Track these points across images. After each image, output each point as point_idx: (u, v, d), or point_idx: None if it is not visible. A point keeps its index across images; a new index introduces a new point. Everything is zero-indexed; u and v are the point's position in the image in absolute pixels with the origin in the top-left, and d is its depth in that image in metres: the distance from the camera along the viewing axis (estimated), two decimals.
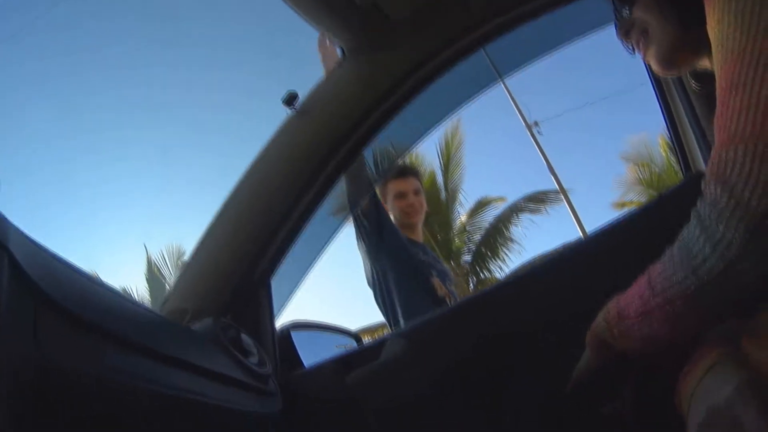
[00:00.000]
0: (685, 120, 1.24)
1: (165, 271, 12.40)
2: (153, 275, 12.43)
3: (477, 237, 12.53)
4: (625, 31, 0.89)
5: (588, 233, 1.30)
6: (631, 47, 0.90)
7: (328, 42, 1.39)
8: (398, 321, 2.21)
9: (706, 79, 1.11)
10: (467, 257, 12.50)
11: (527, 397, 1.08)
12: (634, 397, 0.88)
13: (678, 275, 0.61)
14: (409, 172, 2.60)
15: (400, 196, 2.48)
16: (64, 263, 0.68)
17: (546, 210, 12.43)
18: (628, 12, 0.87)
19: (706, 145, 1.18)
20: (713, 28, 0.64)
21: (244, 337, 1.09)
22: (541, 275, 1.21)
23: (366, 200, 2.18)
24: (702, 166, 1.20)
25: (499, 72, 1.53)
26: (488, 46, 1.29)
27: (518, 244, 12.29)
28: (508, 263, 12.22)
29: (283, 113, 1.30)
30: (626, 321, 0.73)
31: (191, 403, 0.75)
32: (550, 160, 12.08)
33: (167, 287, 11.93)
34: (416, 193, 2.52)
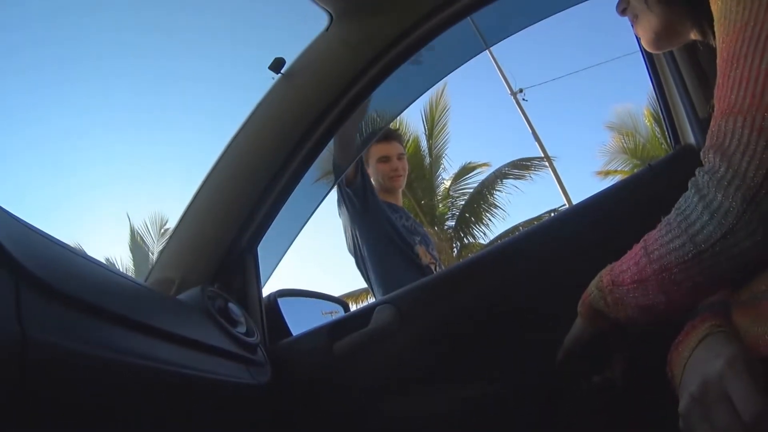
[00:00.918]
0: (675, 91, 1.23)
1: (148, 240, 12.36)
2: (136, 244, 12.38)
3: (461, 202, 12.59)
4: (622, 9, 0.90)
5: (577, 202, 1.30)
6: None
7: None
8: (383, 288, 2.22)
9: (696, 50, 1.12)
10: (451, 222, 12.57)
11: (517, 366, 1.10)
12: (624, 366, 0.89)
13: (675, 242, 0.62)
14: (393, 136, 2.58)
15: (384, 159, 2.46)
16: (45, 237, 0.66)
17: (530, 176, 12.51)
18: None
19: (695, 117, 1.18)
20: (716, 1, 0.64)
21: (232, 306, 1.08)
22: (531, 243, 1.21)
23: (351, 167, 2.16)
24: (691, 138, 1.20)
25: (485, 40, 1.51)
26: (476, 13, 1.25)
27: (502, 209, 12.40)
28: (492, 228, 12.36)
29: (270, 80, 1.27)
30: (620, 288, 0.74)
31: (179, 375, 0.75)
32: (535, 127, 12.07)
33: (151, 256, 11.91)
34: (399, 157, 2.51)
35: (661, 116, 1.37)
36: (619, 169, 12.72)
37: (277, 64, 1.25)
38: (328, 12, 1.22)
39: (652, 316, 0.73)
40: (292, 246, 1.61)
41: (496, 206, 12.40)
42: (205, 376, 0.81)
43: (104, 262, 0.89)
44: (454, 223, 12.51)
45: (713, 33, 0.67)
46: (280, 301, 1.37)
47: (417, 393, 1.13)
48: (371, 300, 2.19)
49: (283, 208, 1.31)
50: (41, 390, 0.52)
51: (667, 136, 1.34)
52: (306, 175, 1.32)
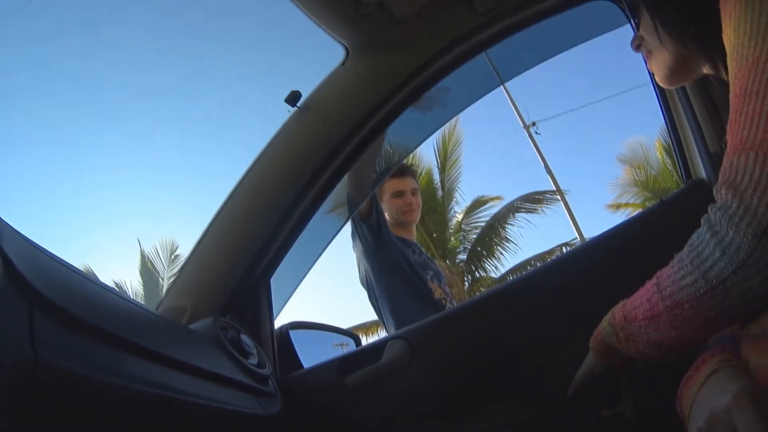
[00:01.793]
0: (686, 125, 1.24)
1: (158, 266, 12.40)
2: (147, 269, 12.41)
3: (473, 236, 12.54)
4: (637, 45, 0.92)
5: (589, 238, 1.30)
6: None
7: None
8: (394, 322, 2.20)
9: (708, 84, 1.13)
10: (463, 256, 12.51)
11: (529, 400, 1.09)
12: (634, 401, 0.89)
13: (687, 279, 0.62)
14: (407, 171, 2.59)
15: (398, 194, 2.47)
16: (59, 262, 0.67)
17: (542, 210, 12.46)
18: (637, 28, 0.91)
19: (706, 152, 1.18)
20: (729, 36, 0.65)
21: (244, 337, 1.08)
22: (542, 280, 1.21)
23: (365, 202, 2.18)
24: (702, 172, 1.20)
25: (501, 77, 1.53)
26: (490, 49, 1.28)
27: (514, 243, 12.32)
28: (504, 263, 12.27)
29: (286, 112, 1.29)
30: (633, 324, 0.74)
31: (190, 404, 0.75)
32: (547, 160, 12.09)
33: (161, 282, 11.93)
34: (414, 192, 2.52)
35: (673, 150, 1.37)
36: (630, 202, 12.66)
37: (293, 97, 1.27)
38: (345, 46, 1.24)
39: (663, 351, 0.72)
40: (306, 277, 1.61)
41: (508, 240, 12.33)
42: (216, 406, 0.81)
43: (113, 286, 0.90)
44: (465, 257, 12.44)
45: (725, 67, 0.67)
46: (292, 333, 1.37)
47: (428, 428, 1.12)
48: (382, 333, 2.18)
49: (298, 240, 1.32)
50: (51, 413, 0.53)
51: (679, 170, 1.34)
52: (321, 208, 1.33)
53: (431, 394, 1.14)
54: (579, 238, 11.44)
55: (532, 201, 12.56)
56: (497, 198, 12.80)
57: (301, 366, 1.30)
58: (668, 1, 0.82)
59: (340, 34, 1.23)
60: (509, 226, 12.43)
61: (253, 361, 1.05)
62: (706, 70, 0.85)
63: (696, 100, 1.19)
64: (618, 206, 12.86)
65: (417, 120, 1.43)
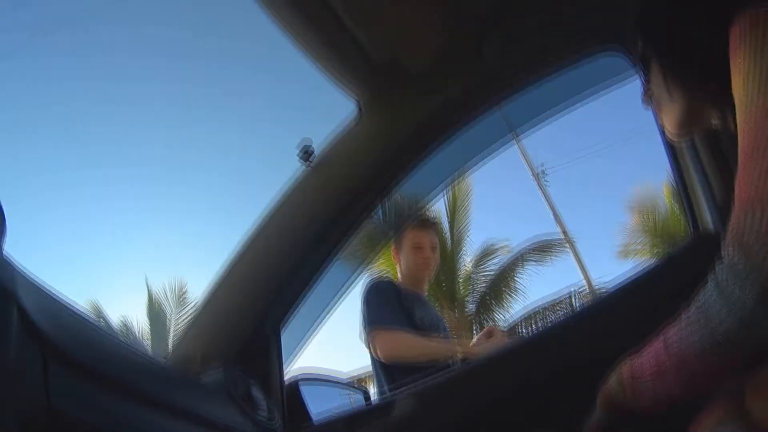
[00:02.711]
0: (694, 177, 1.25)
1: (166, 308, 12.32)
2: (154, 311, 12.33)
3: (482, 286, 12.43)
4: (646, 98, 0.93)
5: (596, 297, 1.30)
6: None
7: None
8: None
9: (716, 134, 1.14)
10: (472, 306, 12.37)
11: None
12: None
13: (694, 336, 0.62)
14: (430, 225, 2.51)
15: (418, 247, 2.38)
16: (72, 311, 0.68)
17: (551, 259, 12.39)
18: (646, 81, 0.91)
19: (714, 203, 1.19)
20: (738, 88, 0.65)
21: (254, 389, 1.08)
22: (552, 336, 1.21)
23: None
24: (710, 224, 1.21)
25: (515, 132, 1.54)
26: (505, 106, 1.31)
27: (523, 293, 12.19)
28: (513, 312, 12.11)
29: (299, 164, 1.30)
30: (640, 380, 0.74)
31: None
32: (556, 208, 12.12)
33: (168, 323, 11.83)
34: (433, 249, 2.43)
35: (681, 201, 1.38)
36: (638, 248, 12.58)
37: (305, 150, 1.28)
38: (356, 100, 1.27)
39: (669, 405, 0.72)
40: (318, 330, 1.60)
41: (517, 289, 12.22)
42: None
43: (120, 323, 0.91)
44: (474, 307, 12.30)
45: (735, 119, 0.67)
46: (302, 385, 1.35)
47: None
48: None
49: (311, 292, 1.33)
50: None
51: (687, 222, 1.34)
52: (335, 260, 1.34)
53: None
54: (587, 286, 11.33)
55: (542, 249, 12.49)
56: (506, 247, 12.76)
57: (310, 419, 1.28)
58: (678, 53, 0.83)
59: (351, 88, 1.25)
60: (518, 276, 12.34)
61: (263, 413, 1.04)
62: (715, 122, 0.85)
63: (704, 151, 1.20)
64: (626, 252, 12.78)
65: (429, 173, 1.44)
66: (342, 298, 1.58)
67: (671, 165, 1.31)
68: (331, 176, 1.30)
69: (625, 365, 0.79)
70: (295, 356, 1.49)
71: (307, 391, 1.34)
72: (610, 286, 1.23)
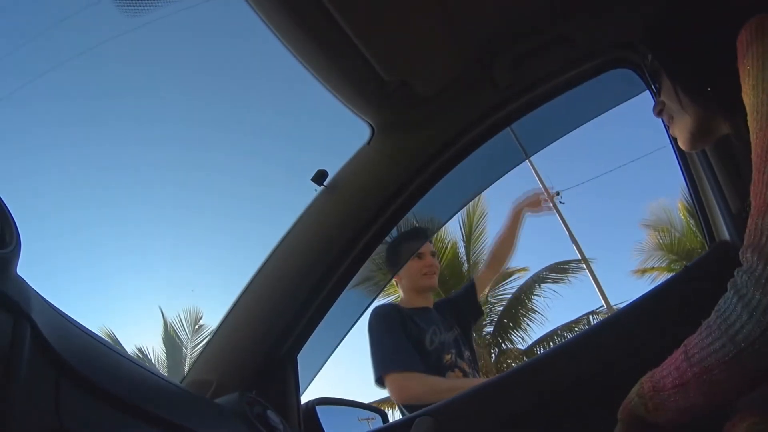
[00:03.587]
0: (708, 187, 1.24)
1: (182, 335, 12.34)
2: (169, 338, 12.34)
3: (499, 308, 12.31)
4: (658, 110, 0.94)
5: (614, 312, 1.30)
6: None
7: None
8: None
9: (729, 144, 1.14)
10: (489, 328, 12.24)
11: None
12: None
13: (716, 344, 0.62)
14: (422, 232, 2.47)
15: (418, 256, 2.36)
16: (86, 332, 0.69)
17: (568, 279, 12.26)
18: (658, 94, 0.93)
19: (729, 213, 1.18)
20: (748, 95, 0.66)
21: (270, 413, 1.07)
22: (570, 353, 1.20)
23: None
24: (725, 234, 1.20)
25: (526, 151, 1.56)
26: (516, 123, 1.31)
27: (540, 314, 12.06)
28: (531, 333, 11.96)
29: (313, 191, 1.31)
30: (662, 394, 0.73)
31: None
32: (572, 230, 12.03)
33: (184, 351, 11.83)
34: (433, 253, 2.44)
35: (696, 213, 1.37)
36: (656, 266, 12.42)
37: (319, 176, 1.29)
38: (370, 124, 1.28)
39: (691, 416, 0.71)
40: (334, 354, 1.60)
41: (534, 311, 12.08)
42: None
43: (136, 352, 0.90)
44: (492, 329, 12.17)
45: (747, 127, 0.68)
46: (318, 409, 1.34)
47: None
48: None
49: (326, 317, 1.33)
50: None
51: (703, 233, 1.33)
52: (349, 285, 1.34)
53: None
54: (606, 306, 11.17)
55: (558, 271, 12.40)
56: (523, 269, 12.66)
57: None
58: (688, 65, 0.84)
59: (365, 112, 1.26)
60: (535, 297, 12.22)
61: None
62: (726, 130, 0.85)
63: (716, 161, 1.20)
64: (644, 271, 12.63)
65: (443, 197, 1.44)
66: (357, 321, 1.58)
67: (684, 176, 1.31)
68: (344, 200, 1.31)
69: (646, 379, 0.79)
70: (311, 381, 1.49)
71: (323, 414, 1.33)
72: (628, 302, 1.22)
